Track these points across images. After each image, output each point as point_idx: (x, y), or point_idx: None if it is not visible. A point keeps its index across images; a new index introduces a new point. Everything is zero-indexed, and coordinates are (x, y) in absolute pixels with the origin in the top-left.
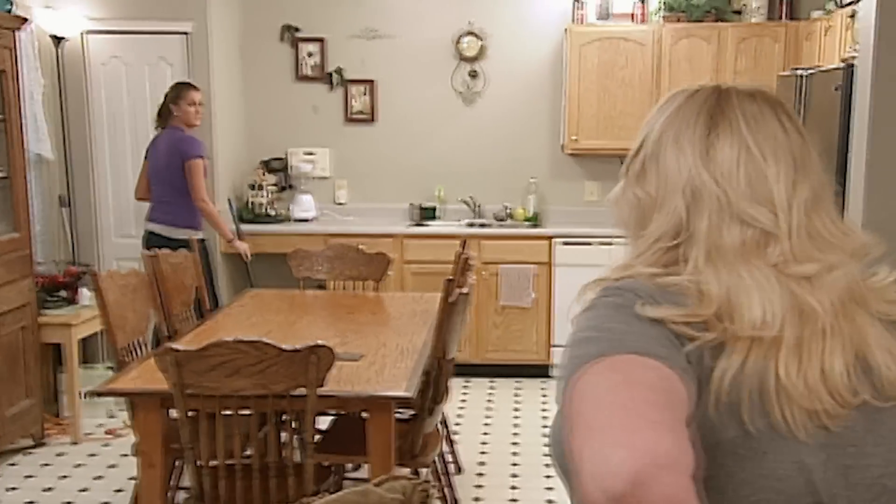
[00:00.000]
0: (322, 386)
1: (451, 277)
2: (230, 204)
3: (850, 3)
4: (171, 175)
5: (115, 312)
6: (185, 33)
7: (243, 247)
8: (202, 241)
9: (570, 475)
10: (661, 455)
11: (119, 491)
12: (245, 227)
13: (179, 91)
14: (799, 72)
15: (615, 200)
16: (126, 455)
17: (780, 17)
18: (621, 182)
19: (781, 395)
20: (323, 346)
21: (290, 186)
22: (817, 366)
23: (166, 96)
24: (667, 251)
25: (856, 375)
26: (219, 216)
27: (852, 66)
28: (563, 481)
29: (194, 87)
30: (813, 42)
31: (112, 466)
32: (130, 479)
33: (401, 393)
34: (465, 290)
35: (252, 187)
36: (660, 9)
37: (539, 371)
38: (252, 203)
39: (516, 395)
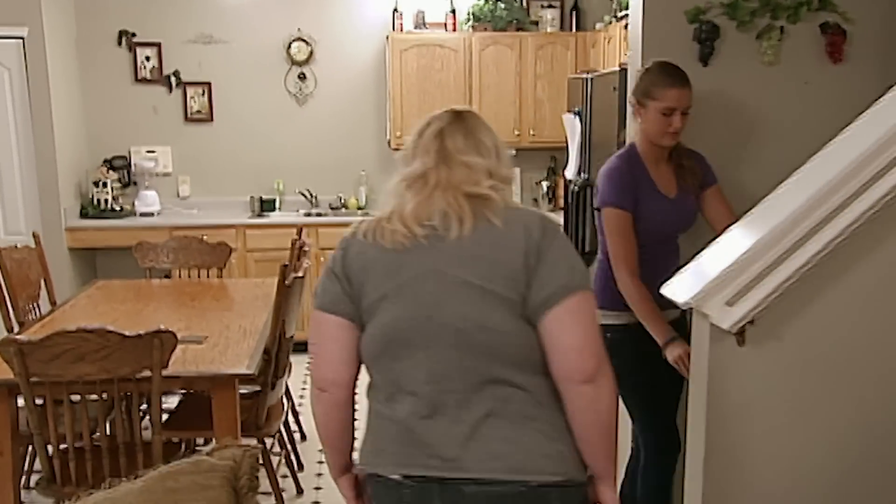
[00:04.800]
0: (166, 367)
1: (286, 263)
2: None
3: (624, 17)
4: None
5: None
6: (21, 38)
7: None
8: None
9: None
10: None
11: None
12: (91, 223)
13: None
14: (584, 75)
15: None
16: None
17: (571, 29)
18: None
19: None
20: (165, 331)
21: (134, 183)
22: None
23: None
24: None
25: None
26: None
27: (625, 69)
28: None
29: None
30: (598, 49)
31: None
32: None
33: (242, 370)
34: (300, 274)
35: (96, 184)
36: (469, 19)
37: None
38: (97, 199)
39: None
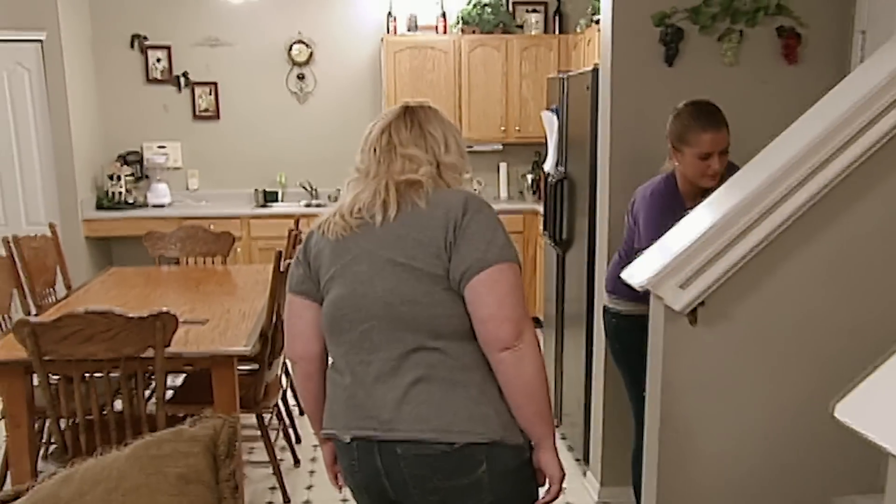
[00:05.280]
0: (168, 347)
1: (281, 250)
2: None
3: (599, 21)
4: None
5: None
6: (40, 41)
7: None
8: None
9: None
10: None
11: None
12: (106, 214)
13: None
14: (562, 75)
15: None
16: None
17: (553, 31)
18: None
19: None
20: (167, 313)
21: (146, 177)
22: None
23: None
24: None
25: (353, 215)
26: None
27: (597, 69)
28: None
29: None
30: (579, 51)
31: None
32: (3, 442)
33: (240, 349)
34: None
35: (111, 178)
36: (458, 22)
37: None
38: (112, 192)
39: None
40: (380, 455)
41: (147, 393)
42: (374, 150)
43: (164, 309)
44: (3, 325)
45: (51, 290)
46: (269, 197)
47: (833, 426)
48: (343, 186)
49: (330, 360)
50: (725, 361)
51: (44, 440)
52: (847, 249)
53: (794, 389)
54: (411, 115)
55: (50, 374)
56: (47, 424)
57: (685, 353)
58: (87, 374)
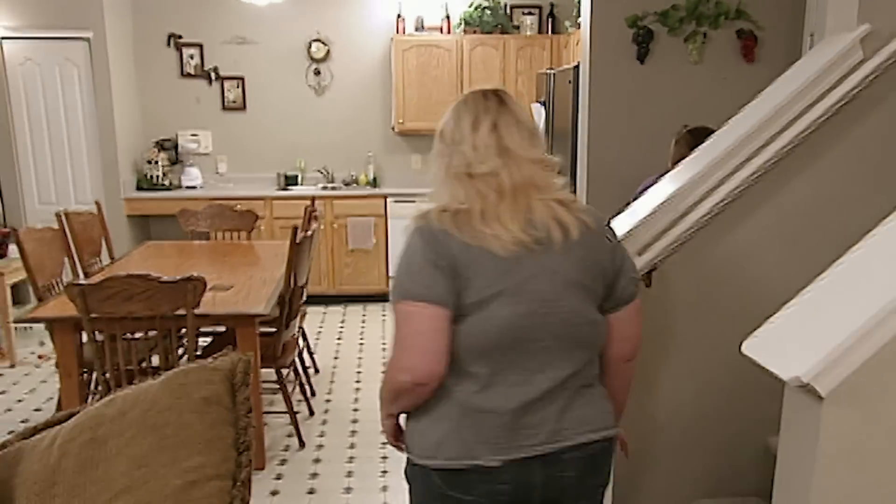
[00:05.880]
0: (197, 307)
1: (296, 225)
2: None
3: None
4: None
5: (34, 259)
6: (87, 39)
7: None
8: None
9: None
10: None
11: (49, 399)
12: (144, 194)
13: None
14: (549, 71)
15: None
16: (55, 373)
17: (547, 32)
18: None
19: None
20: (196, 277)
21: (180, 161)
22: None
23: None
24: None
25: (524, 231)
26: None
27: (578, 66)
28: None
29: None
30: (569, 50)
31: (43, 382)
32: (57, 390)
33: (260, 310)
34: (308, 234)
35: (149, 162)
36: (461, 23)
37: (380, 298)
38: (150, 175)
39: (363, 317)
40: (542, 468)
41: (180, 351)
42: (493, 151)
43: (194, 274)
44: (56, 288)
45: (96, 259)
46: (290, 180)
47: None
48: (441, 178)
49: (454, 381)
50: (676, 319)
51: (90, 390)
52: (782, 221)
53: (734, 342)
54: (509, 111)
55: (96, 331)
56: (94, 376)
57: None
58: (127, 335)
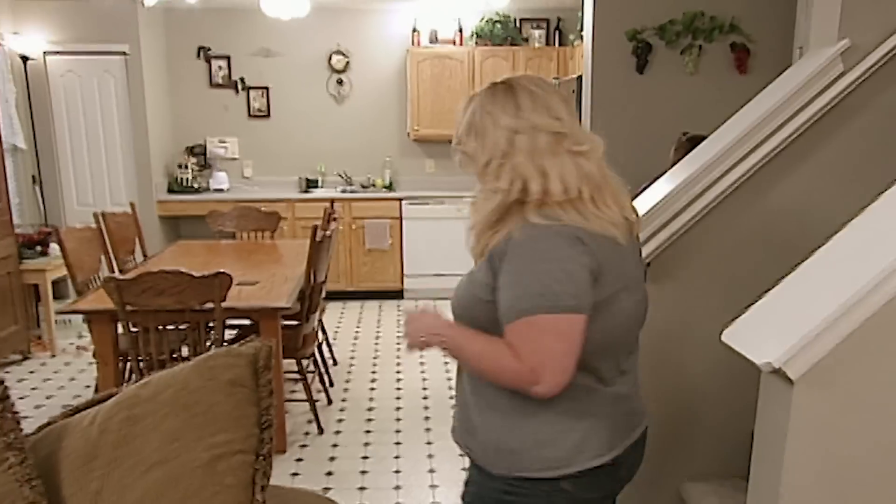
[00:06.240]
0: (224, 301)
1: (316, 225)
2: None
3: None
4: None
5: (73, 257)
6: (124, 53)
7: None
8: None
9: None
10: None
11: (87, 387)
12: (175, 197)
13: None
14: (554, 80)
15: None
16: (91, 363)
17: (554, 44)
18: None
19: None
20: (223, 273)
21: (209, 166)
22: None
23: None
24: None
25: (623, 213)
26: None
27: (580, 76)
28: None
29: None
30: (574, 61)
31: (81, 371)
32: (95, 378)
33: (282, 304)
34: (328, 233)
35: (180, 166)
36: (472, 36)
37: (395, 295)
38: (180, 178)
39: (379, 312)
40: (633, 449)
41: (208, 343)
42: (580, 129)
43: (222, 270)
44: (94, 283)
45: (131, 257)
46: (311, 183)
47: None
48: (563, 154)
49: (581, 378)
50: (671, 311)
51: (125, 378)
52: (769, 221)
53: (718, 334)
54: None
55: (131, 323)
56: (129, 364)
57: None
58: (160, 327)
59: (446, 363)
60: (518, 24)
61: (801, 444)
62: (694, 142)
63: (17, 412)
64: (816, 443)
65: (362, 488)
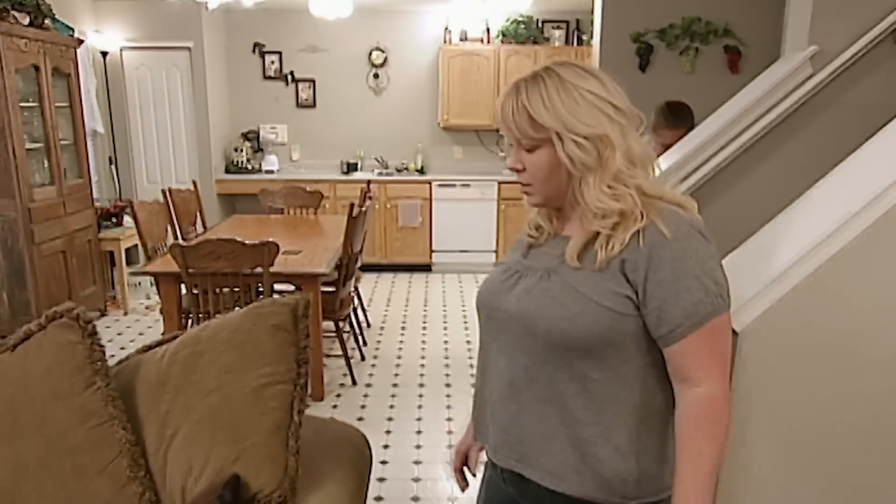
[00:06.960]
0: (272, 266)
1: (353, 203)
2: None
3: None
4: None
5: (144, 227)
6: (189, 48)
7: None
8: None
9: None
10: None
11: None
12: (231, 177)
13: None
14: None
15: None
16: (157, 320)
17: (573, 44)
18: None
19: None
20: (271, 242)
21: (261, 150)
22: None
23: None
24: None
25: None
26: None
27: None
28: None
29: None
30: (591, 60)
31: (149, 327)
32: (161, 334)
33: (322, 270)
34: (363, 209)
35: (236, 150)
36: (499, 35)
37: (424, 268)
38: (236, 160)
39: (409, 283)
40: None
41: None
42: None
43: (270, 239)
44: (161, 251)
45: (192, 228)
46: (351, 166)
47: None
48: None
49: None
50: None
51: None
52: (739, 209)
53: None
54: None
55: (193, 284)
56: (190, 321)
57: None
58: (217, 289)
59: (467, 329)
60: (540, 25)
61: (748, 392)
62: (672, 105)
63: (103, 346)
64: (762, 390)
65: (388, 432)
